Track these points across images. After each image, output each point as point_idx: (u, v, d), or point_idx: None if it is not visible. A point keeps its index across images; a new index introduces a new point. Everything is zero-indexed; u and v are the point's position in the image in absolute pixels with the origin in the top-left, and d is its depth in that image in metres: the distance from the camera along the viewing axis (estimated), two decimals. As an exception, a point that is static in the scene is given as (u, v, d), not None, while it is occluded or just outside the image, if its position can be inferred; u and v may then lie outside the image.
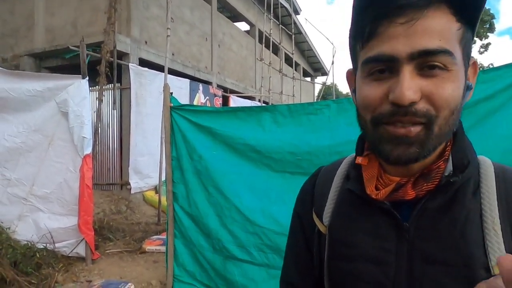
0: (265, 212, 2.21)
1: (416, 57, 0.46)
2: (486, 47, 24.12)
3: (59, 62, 6.72)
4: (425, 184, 0.53)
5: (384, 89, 0.49)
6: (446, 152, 0.55)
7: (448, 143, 0.56)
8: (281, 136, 2.21)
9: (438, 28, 0.46)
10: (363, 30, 0.49)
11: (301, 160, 2.12)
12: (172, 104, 2.58)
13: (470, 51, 0.52)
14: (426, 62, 0.46)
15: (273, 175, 2.23)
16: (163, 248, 3.94)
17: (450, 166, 0.54)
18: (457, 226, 0.52)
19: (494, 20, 23.19)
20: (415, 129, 0.48)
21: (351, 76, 0.62)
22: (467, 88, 0.53)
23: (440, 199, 0.53)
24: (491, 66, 21.81)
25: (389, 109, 0.48)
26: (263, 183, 2.25)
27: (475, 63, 0.55)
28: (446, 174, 0.53)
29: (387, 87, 0.49)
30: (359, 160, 0.60)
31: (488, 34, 23.59)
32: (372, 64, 0.50)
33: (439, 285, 0.51)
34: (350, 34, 0.56)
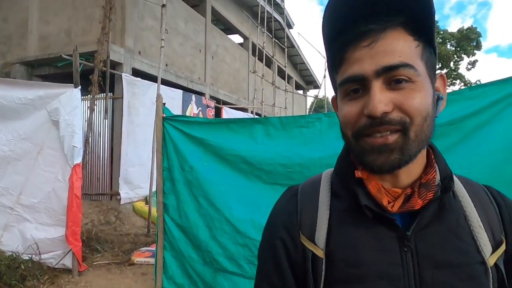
0: (256, 224, 2.20)
1: (381, 73, 0.52)
2: (473, 64, 24.76)
3: (51, 70, 6.68)
4: (428, 193, 0.57)
5: (359, 106, 0.55)
6: (433, 163, 0.60)
7: (432, 156, 0.61)
8: (272, 148, 2.22)
9: (398, 47, 0.52)
10: (335, 58, 0.57)
11: (292, 172, 2.14)
12: (164, 115, 2.58)
13: (434, 65, 0.58)
14: (392, 76, 0.52)
15: (264, 187, 2.23)
16: (152, 260, 3.89)
17: (438, 176, 0.59)
18: (452, 229, 0.58)
19: (481, 38, 23.88)
20: (392, 137, 0.53)
21: (335, 102, 0.68)
22: (438, 98, 0.58)
23: (433, 206, 0.58)
24: (478, 83, 22.35)
25: (366, 122, 0.53)
26: (254, 194, 2.25)
27: (442, 75, 0.61)
28: (436, 183, 0.58)
29: (362, 104, 0.54)
30: (359, 174, 0.60)
31: (475, 51, 24.26)
32: (346, 85, 0.56)
33: (450, 287, 0.55)
34: (327, 65, 0.64)
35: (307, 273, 0.62)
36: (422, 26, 0.53)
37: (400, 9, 0.52)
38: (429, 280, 0.55)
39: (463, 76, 25.12)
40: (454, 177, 0.63)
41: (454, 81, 25.46)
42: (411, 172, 0.59)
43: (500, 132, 1.73)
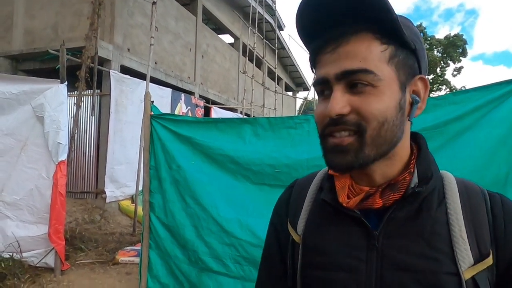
0: (242, 223, 2.20)
1: (341, 77, 0.54)
2: (459, 70, 25.33)
3: (37, 65, 6.55)
4: (391, 194, 0.57)
5: (325, 106, 0.57)
6: (411, 165, 0.60)
7: (413, 157, 0.61)
8: (260, 148, 2.23)
9: (359, 52, 0.54)
10: (311, 62, 0.61)
11: (280, 173, 2.15)
12: (152, 113, 2.56)
13: (408, 68, 0.57)
14: (352, 80, 0.54)
15: (252, 187, 2.24)
16: (137, 259, 3.85)
17: (415, 178, 0.58)
18: (424, 235, 0.56)
19: (468, 46, 24.46)
20: (348, 139, 0.55)
21: None
22: (414, 102, 0.58)
23: (407, 209, 0.58)
24: (463, 89, 22.80)
25: (327, 122, 0.56)
26: (241, 194, 2.26)
27: (422, 78, 0.60)
28: (412, 185, 0.58)
29: (327, 104, 0.57)
30: (332, 171, 0.64)
31: (461, 58, 24.83)
32: (317, 87, 0.60)
33: None
34: None
35: (289, 257, 0.69)
36: (388, 30, 0.54)
37: (360, 17, 0.53)
38: (389, 280, 0.56)
39: (449, 82, 25.68)
40: (453, 180, 0.62)
41: (440, 86, 25.99)
42: (385, 172, 0.60)
43: (481, 138, 1.78)
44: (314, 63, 0.60)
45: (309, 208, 0.69)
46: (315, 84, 0.60)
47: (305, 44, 0.62)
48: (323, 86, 0.58)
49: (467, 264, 0.54)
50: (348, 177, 0.63)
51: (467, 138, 1.81)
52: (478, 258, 0.55)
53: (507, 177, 1.74)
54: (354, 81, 0.54)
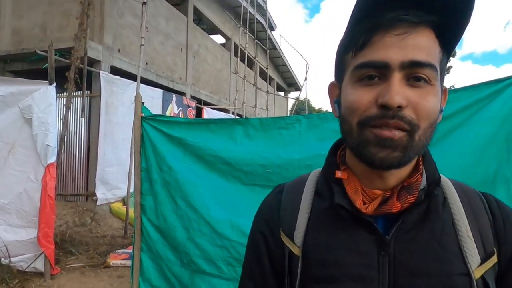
0: (234, 225, 2.19)
1: (407, 66, 0.50)
2: (448, 70, 25.72)
3: (25, 66, 6.44)
4: (408, 196, 0.55)
5: (373, 94, 0.52)
6: (420, 167, 0.58)
7: (420, 159, 0.60)
8: (252, 149, 2.22)
9: (427, 45, 0.51)
10: (358, 39, 0.53)
11: (271, 173, 2.14)
12: (143, 114, 2.54)
13: (444, 76, 0.56)
14: (414, 73, 0.50)
15: (243, 188, 2.23)
16: (128, 262, 3.80)
17: (424, 180, 0.57)
18: (436, 237, 0.55)
19: (457, 46, 24.84)
20: (399, 134, 0.50)
21: (334, 89, 0.64)
22: (440, 110, 0.56)
23: (416, 212, 0.56)
24: (453, 88, 23.16)
25: (377, 112, 0.51)
26: (233, 195, 2.24)
27: (445, 90, 0.59)
28: (421, 187, 0.56)
29: (377, 92, 0.51)
30: (339, 174, 0.60)
31: (450, 58, 25.20)
32: (364, 70, 0.52)
33: None
34: (341, 44, 0.59)
35: (284, 269, 0.63)
36: (450, 35, 0.52)
37: (439, 9, 0.50)
38: (403, 287, 0.54)
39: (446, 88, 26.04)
40: (449, 182, 0.62)
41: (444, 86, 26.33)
42: (399, 174, 0.57)
43: (471, 136, 1.80)
44: (365, 42, 0.52)
45: (307, 216, 0.63)
46: (366, 66, 0.52)
47: (357, 19, 0.54)
48: (376, 71, 0.51)
49: (475, 263, 0.54)
50: (357, 181, 0.59)
51: (456, 137, 1.82)
52: (485, 257, 0.55)
53: (496, 174, 1.76)
54: (418, 74, 0.50)
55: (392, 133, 0.50)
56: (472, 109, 1.83)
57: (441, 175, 0.62)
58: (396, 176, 0.57)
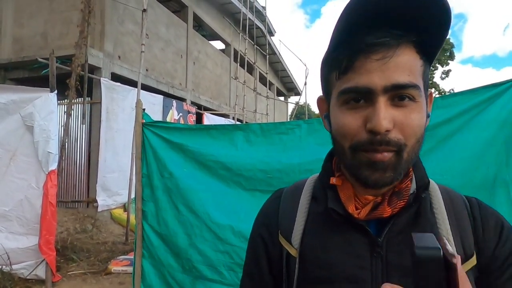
0: (235, 230, 2.19)
1: (390, 89, 0.52)
2: (447, 73, 25.73)
3: (26, 74, 6.48)
4: (398, 202, 0.58)
5: (360, 118, 0.54)
6: (410, 173, 0.61)
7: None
8: (252, 154, 2.23)
9: (408, 65, 0.52)
10: (340, 63, 0.54)
11: (272, 178, 2.15)
12: (144, 120, 2.55)
13: (428, 83, 0.59)
14: (398, 94, 0.52)
15: (244, 193, 2.23)
16: (130, 269, 3.79)
17: (414, 185, 0.60)
18: None
19: (457, 49, 24.94)
20: (388, 155, 0.53)
21: (322, 104, 0.67)
22: (427, 116, 0.59)
23: (406, 215, 0.58)
24: (452, 92, 23.22)
25: (367, 137, 0.53)
26: (234, 201, 2.25)
27: (431, 93, 0.62)
28: (411, 192, 0.59)
29: (364, 116, 0.53)
30: (334, 180, 0.62)
31: (449, 61, 25.25)
32: (350, 95, 0.54)
33: None
34: (325, 63, 0.60)
35: (282, 270, 0.66)
36: (431, 47, 0.54)
37: (416, 25, 0.51)
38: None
39: (438, 85, 26.06)
40: (436, 187, 0.64)
41: (429, 89, 26.32)
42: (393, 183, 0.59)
43: (470, 140, 1.81)
44: (348, 67, 0.53)
45: (304, 219, 0.66)
46: (351, 91, 0.54)
47: (338, 41, 0.55)
48: (361, 95, 0.53)
49: None
50: (350, 187, 0.62)
51: (456, 141, 1.83)
52: (464, 258, 0.57)
53: (495, 178, 1.77)
54: (401, 95, 0.52)
55: (383, 155, 0.53)
56: (471, 113, 1.84)
57: (430, 180, 0.64)
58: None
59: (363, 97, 0.53)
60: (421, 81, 0.54)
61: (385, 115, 0.51)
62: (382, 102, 0.52)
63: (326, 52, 0.59)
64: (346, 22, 0.53)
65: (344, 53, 0.53)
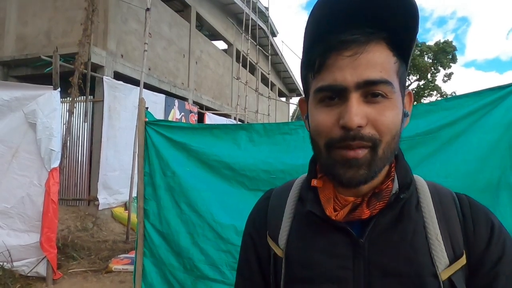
0: (238, 230, 2.19)
1: (362, 86, 0.52)
2: (449, 76, 25.73)
3: (29, 71, 6.49)
4: (377, 203, 0.57)
5: (334, 115, 0.54)
6: (392, 173, 0.60)
7: (392, 165, 0.62)
8: (256, 154, 2.23)
9: (379, 61, 0.53)
10: (314, 62, 0.55)
11: (275, 179, 2.15)
12: (147, 119, 2.55)
13: (405, 82, 0.59)
14: (370, 90, 0.52)
15: (247, 193, 2.23)
16: (130, 268, 3.79)
17: (396, 185, 0.59)
18: (407, 239, 0.57)
19: (460, 53, 25.01)
20: (363, 152, 0.53)
21: (303, 105, 0.67)
22: (404, 115, 0.59)
23: (390, 215, 0.58)
24: (454, 94, 23.20)
25: (340, 134, 0.53)
26: (237, 200, 2.25)
27: (410, 93, 0.62)
28: (393, 192, 0.58)
29: (338, 113, 0.54)
30: (314, 182, 0.63)
31: (451, 64, 25.23)
32: (324, 93, 0.55)
33: None
34: (302, 64, 0.61)
35: (271, 272, 0.67)
36: (403, 44, 0.54)
37: (386, 24, 0.52)
38: (377, 287, 0.56)
39: (440, 88, 26.04)
40: (425, 184, 0.63)
41: (431, 92, 26.34)
42: (374, 183, 0.59)
43: (474, 143, 1.81)
44: (321, 65, 0.54)
45: (290, 221, 0.67)
46: (324, 89, 0.54)
47: (310, 42, 0.56)
48: (334, 93, 0.54)
49: (443, 265, 0.55)
50: (331, 188, 0.62)
51: (460, 143, 1.83)
52: (453, 258, 0.56)
53: (499, 181, 1.76)
54: (373, 91, 0.52)
55: (356, 152, 0.53)
56: (475, 115, 1.84)
57: (417, 176, 0.65)
58: (368, 184, 0.58)
59: (337, 95, 0.54)
60: (395, 78, 0.55)
61: (357, 111, 0.51)
62: (354, 98, 0.52)
63: (302, 53, 0.60)
64: (317, 23, 0.54)
65: (317, 52, 0.54)
